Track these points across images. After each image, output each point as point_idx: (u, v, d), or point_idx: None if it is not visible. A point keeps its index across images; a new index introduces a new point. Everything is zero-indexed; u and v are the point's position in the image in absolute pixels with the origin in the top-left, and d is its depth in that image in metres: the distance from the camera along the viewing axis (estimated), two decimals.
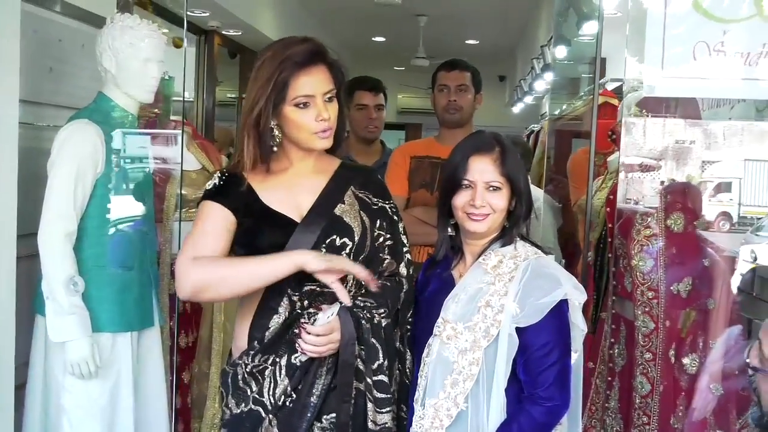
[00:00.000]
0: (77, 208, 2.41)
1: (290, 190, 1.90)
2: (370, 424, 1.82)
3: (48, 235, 2.37)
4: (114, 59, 2.52)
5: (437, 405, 1.83)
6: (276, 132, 1.86)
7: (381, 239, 1.95)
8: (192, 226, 1.91)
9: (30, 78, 2.73)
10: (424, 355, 1.89)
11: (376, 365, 1.83)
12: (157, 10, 5.27)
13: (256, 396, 1.82)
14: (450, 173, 1.93)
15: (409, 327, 1.98)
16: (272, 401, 1.81)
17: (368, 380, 1.82)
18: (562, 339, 1.84)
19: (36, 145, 2.55)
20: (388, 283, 1.93)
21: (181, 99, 4.20)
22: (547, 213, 4.08)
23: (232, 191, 1.87)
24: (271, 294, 1.84)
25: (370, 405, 1.83)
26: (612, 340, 2.63)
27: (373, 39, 9.31)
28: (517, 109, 10.09)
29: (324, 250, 1.84)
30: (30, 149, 2.55)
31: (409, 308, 1.98)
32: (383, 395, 1.83)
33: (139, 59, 2.53)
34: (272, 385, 1.81)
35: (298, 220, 1.86)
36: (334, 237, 1.85)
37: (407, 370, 1.96)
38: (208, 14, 5.35)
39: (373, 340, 1.83)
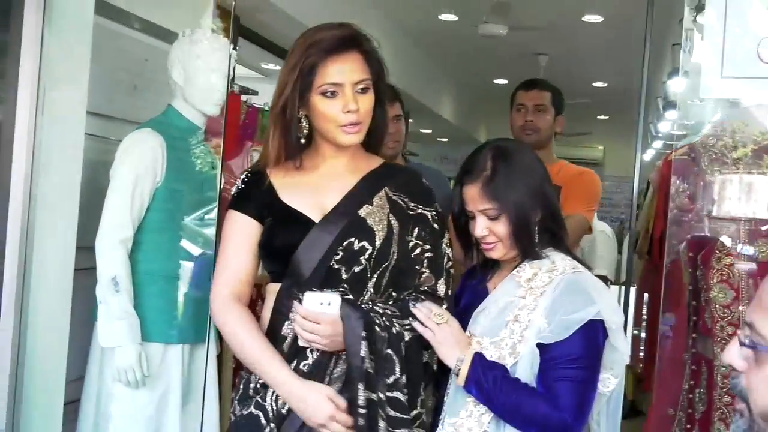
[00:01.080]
0: (134, 215, 2.51)
1: (317, 189, 1.82)
2: None
3: (103, 240, 2.48)
4: (182, 72, 2.64)
5: (457, 424, 1.75)
6: (304, 123, 1.78)
7: (418, 250, 1.82)
8: (221, 238, 1.89)
9: (113, 94, 2.91)
10: (452, 371, 1.80)
11: (391, 380, 1.71)
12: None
13: (259, 400, 1.76)
14: (454, 202, 1.84)
15: None
16: (274, 408, 1.73)
17: (380, 395, 1.70)
18: (589, 359, 1.72)
19: (108, 159, 2.63)
20: (423, 297, 1.83)
21: None
22: None
23: (254, 194, 1.82)
24: (282, 298, 1.77)
25: (382, 423, 1.70)
26: (692, 382, 2.44)
27: (494, 81, 9.30)
28: (648, 156, 9.75)
29: (341, 253, 1.75)
30: (102, 162, 2.65)
31: None
32: (399, 415, 1.71)
33: (205, 72, 2.63)
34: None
35: (318, 220, 1.78)
36: (353, 239, 1.75)
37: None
38: None
39: (389, 352, 1.71)
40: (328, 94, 1.75)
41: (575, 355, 1.70)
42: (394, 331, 1.74)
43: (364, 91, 1.77)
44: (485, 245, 1.82)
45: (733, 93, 1.92)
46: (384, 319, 1.74)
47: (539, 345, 1.71)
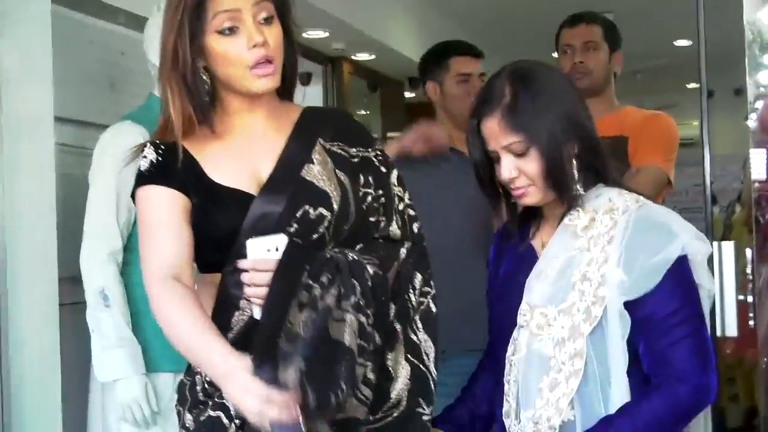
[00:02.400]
0: (122, 222, 2.40)
1: (242, 156, 1.69)
2: None
3: (88, 255, 2.38)
4: None
5: (536, 416, 1.62)
6: (204, 76, 1.64)
7: (370, 198, 1.73)
8: (139, 221, 1.70)
9: (86, 96, 2.85)
10: (508, 353, 1.71)
11: (352, 301, 1.58)
12: None
13: (217, 399, 1.62)
14: (470, 143, 1.76)
15: (418, 305, 1.72)
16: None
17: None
18: (692, 305, 1.63)
19: (86, 172, 2.52)
20: (381, 240, 1.73)
21: None
22: None
23: (173, 166, 1.65)
24: (231, 285, 1.63)
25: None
26: None
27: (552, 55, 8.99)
28: (753, 122, 9.29)
29: (295, 225, 1.62)
30: (80, 176, 2.55)
31: (411, 281, 1.73)
32: (360, 342, 1.58)
33: None
34: None
35: (257, 193, 1.66)
36: (307, 208, 1.64)
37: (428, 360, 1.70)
38: (327, 34, 5.22)
39: (353, 281, 1.59)
40: (226, 31, 1.61)
41: (675, 307, 1.61)
42: (350, 258, 1.62)
43: (268, 21, 1.64)
44: (516, 191, 1.71)
45: None
46: (338, 253, 1.63)
47: (628, 304, 1.61)
